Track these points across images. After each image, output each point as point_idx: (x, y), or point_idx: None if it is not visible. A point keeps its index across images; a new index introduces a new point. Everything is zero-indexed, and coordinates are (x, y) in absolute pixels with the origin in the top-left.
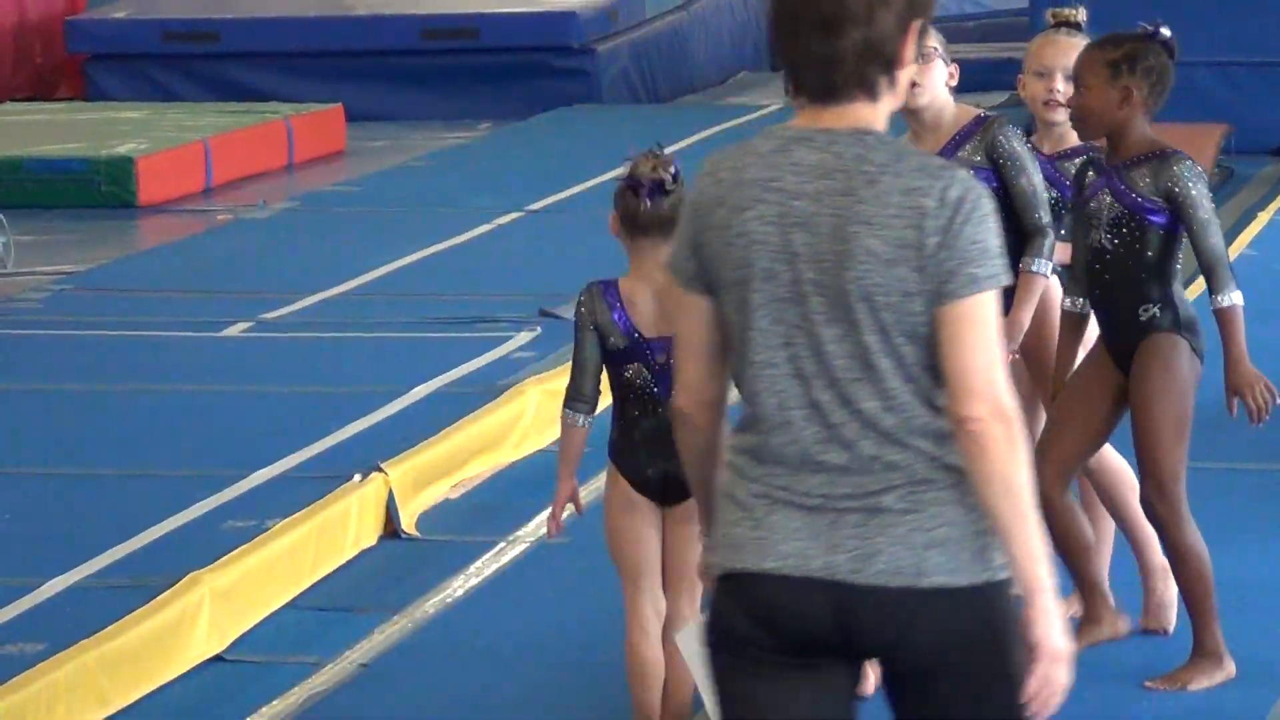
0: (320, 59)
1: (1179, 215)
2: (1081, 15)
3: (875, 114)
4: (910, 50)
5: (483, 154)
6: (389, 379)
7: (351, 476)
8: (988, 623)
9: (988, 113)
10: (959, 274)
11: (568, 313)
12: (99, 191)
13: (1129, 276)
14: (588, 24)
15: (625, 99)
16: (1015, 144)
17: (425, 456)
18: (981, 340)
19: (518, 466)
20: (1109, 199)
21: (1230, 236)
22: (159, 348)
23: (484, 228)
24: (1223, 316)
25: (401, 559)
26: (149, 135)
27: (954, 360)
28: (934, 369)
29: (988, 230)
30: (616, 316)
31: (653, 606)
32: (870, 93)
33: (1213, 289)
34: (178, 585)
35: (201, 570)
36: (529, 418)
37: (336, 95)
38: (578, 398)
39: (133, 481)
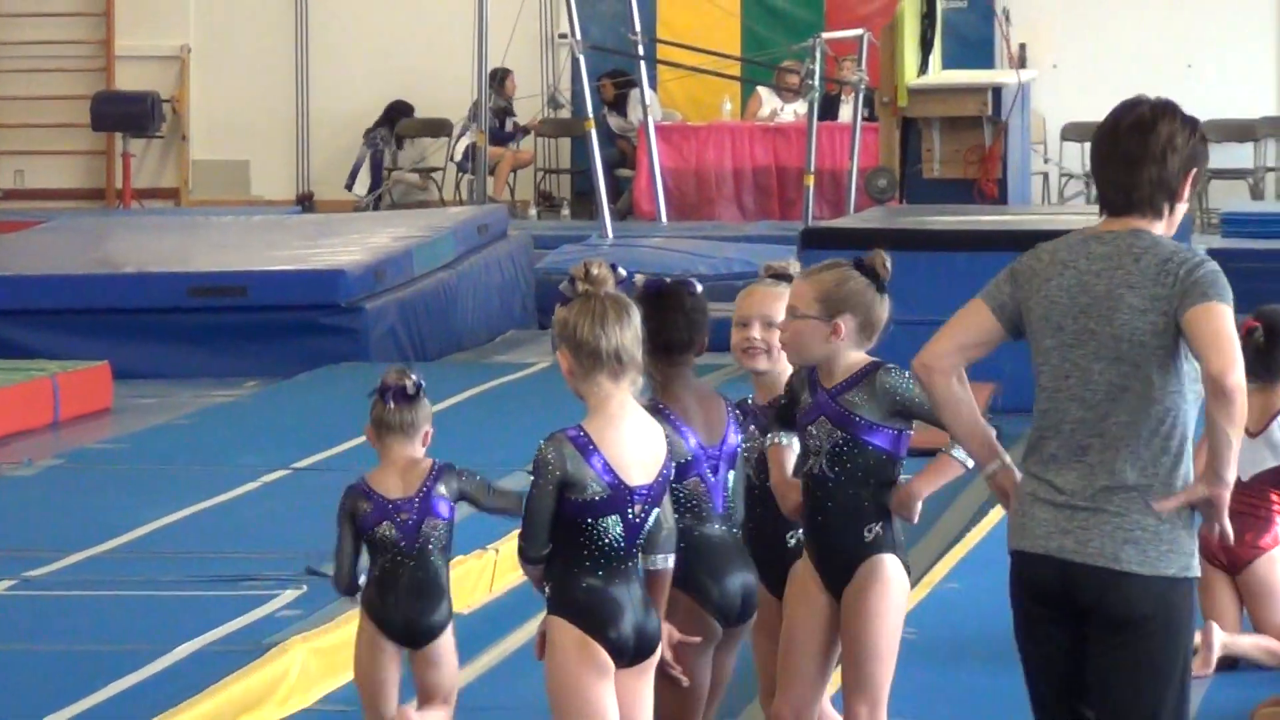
0: (87, 316)
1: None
2: (795, 267)
3: (1152, 227)
4: (1187, 190)
5: (250, 411)
6: (154, 637)
7: None
8: (1157, 607)
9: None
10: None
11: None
12: None
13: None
14: (355, 282)
15: (393, 357)
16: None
17: (189, 716)
18: None
19: None
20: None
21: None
22: None
23: (250, 485)
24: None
25: None
26: None
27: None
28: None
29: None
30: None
31: None
32: (1156, 213)
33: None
34: None
35: None
36: (294, 676)
37: (104, 352)
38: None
39: None
